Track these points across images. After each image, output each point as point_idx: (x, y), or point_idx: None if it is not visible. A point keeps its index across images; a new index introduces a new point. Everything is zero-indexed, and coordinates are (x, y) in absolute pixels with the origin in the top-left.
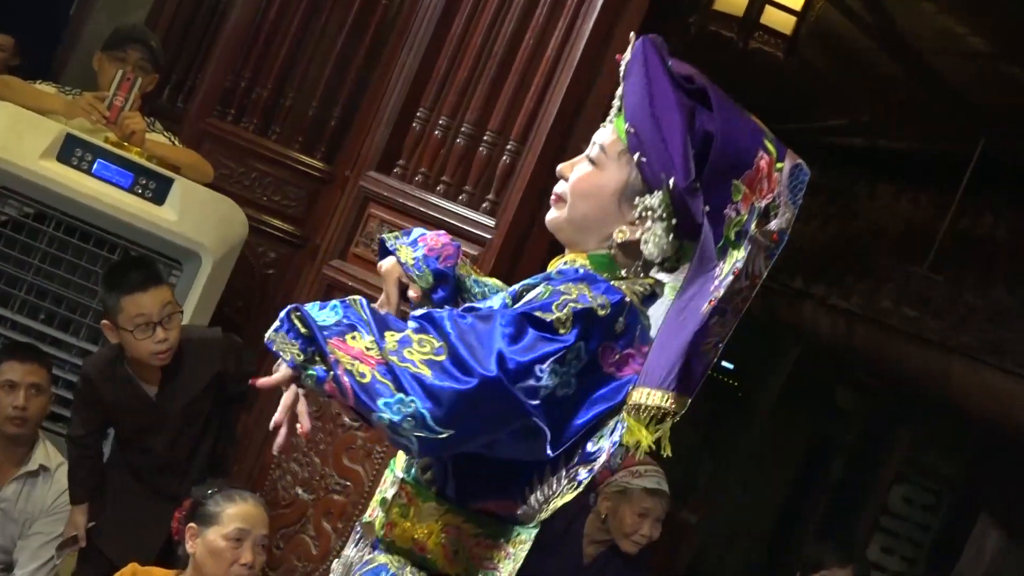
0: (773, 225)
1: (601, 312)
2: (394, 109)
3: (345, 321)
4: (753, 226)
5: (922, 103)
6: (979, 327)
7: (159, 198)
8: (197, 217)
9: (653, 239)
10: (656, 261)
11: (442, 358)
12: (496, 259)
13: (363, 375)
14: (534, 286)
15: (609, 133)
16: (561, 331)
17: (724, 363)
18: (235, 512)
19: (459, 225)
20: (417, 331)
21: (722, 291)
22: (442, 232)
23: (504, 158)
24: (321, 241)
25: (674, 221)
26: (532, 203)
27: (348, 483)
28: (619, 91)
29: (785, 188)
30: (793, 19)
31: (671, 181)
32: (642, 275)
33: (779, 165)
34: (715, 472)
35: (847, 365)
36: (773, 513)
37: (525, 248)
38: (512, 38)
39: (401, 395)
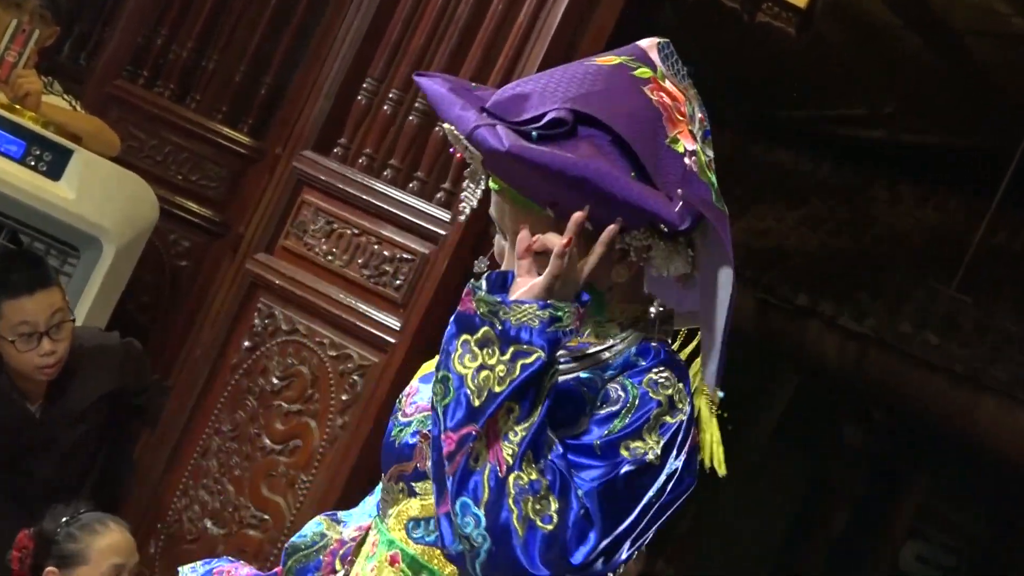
0: (698, 113)
1: (686, 415)
2: (336, 78)
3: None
4: (705, 146)
5: (955, 92)
6: (1014, 359)
7: (55, 172)
8: (99, 196)
9: (666, 261)
10: (673, 275)
11: (544, 528)
12: (450, 261)
13: (476, 463)
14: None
15: (521, 215)
16: (656, 464)
17: None
18: (105, 546)
19: (407, 218)
20: (549, 485)
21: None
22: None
23: None
24: (245, 230)
25: (664, 229)
26: None
27: (266, 517)
28: (474, 165)
29: (674, 78)
30: None
31: (662, 226)
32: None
33: (659, 73)
34: (696, 518)
35: (856, 398)
36: (764, 570)
37: (484, 248)
38: (477, 2)
39: (482, 518)
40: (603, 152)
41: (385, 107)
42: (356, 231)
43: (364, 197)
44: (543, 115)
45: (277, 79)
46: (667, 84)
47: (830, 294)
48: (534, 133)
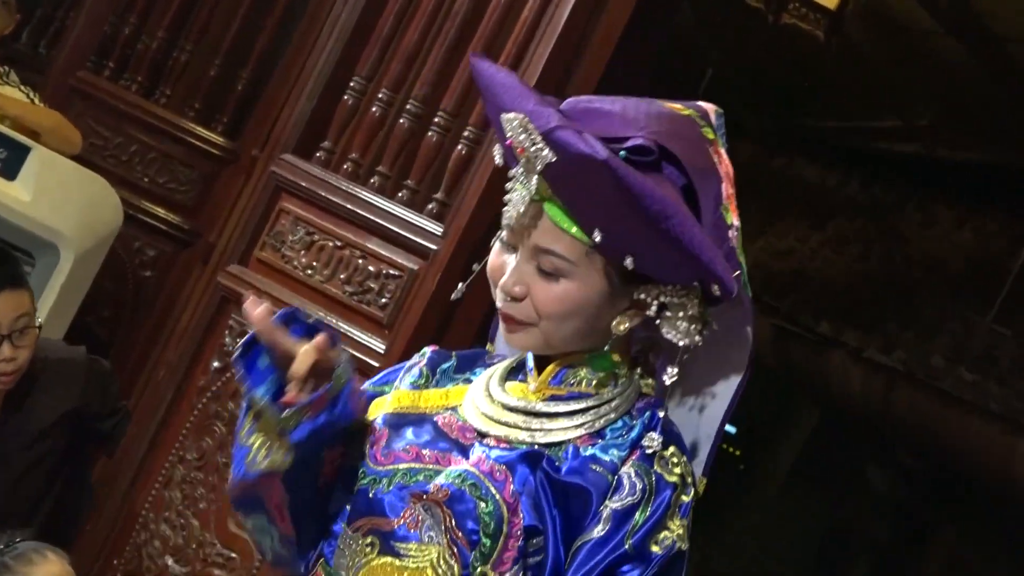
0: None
1: (694, 487)
2: (321, 75)
3: None
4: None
5: (997, 104)
6: None
7: (10, 171)
8: (57, 198)
9: (680, 327)
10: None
11: None
12: (441, 279)
13: None
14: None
15: (554, 232)
16: (686, 549)
17: None
18: None
19: (396, 231)
20: None
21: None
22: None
23: (459, 147)
24: (216, 239)
25: (708, 314)
26: (493, 207)
27: (233, 555)
28: (528, 170)
29: (725, 149)
30: None
31: (714, 287)
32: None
33: (718, 138)
34: (701, 565)
35: (882, 437)
36: None
37: (481, 263)
38: None
39: None
40: (677, 196)
41: (374, 108)
42: (339, 243)
43: (348, 206)
44: (627, 138)
45: (255, 74)
46: (723, 151)
47: (855, 323)
48: (622, 153)
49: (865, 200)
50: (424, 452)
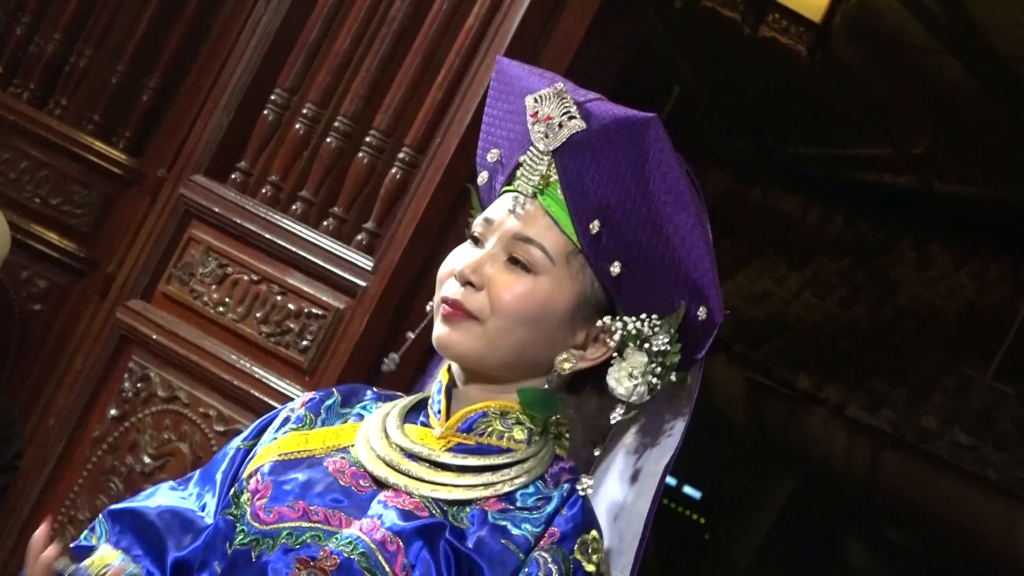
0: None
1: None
2: (238, 86)
3: None
4: None
5: (1001, 131)
6: None
7: None
8: None
9: (633, 378)
10: (628, 401)
11: None
12: (370, 319)
13: None
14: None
15: (542, 223)
16: None
17: (687, 488)
18: None
19: (320, 264)
20: None
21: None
22: None
23: (393, 171)
24: (116, 270)
25: (677, 358)
26: (430, 240)
27: None
28: (543, 148)
29: None
30: (826, 0)
31: (700, 312)
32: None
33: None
34: None
35: (867, 507)
36: None
37: (416, 305)
38: None
39: None
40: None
41: (297, 125)
42: (255, 278)
43: (267, 236)
44: None
45: (163, 83)
46: None
47: (838, 377)
48: None
49: (851, 238)
50: (311, 508)
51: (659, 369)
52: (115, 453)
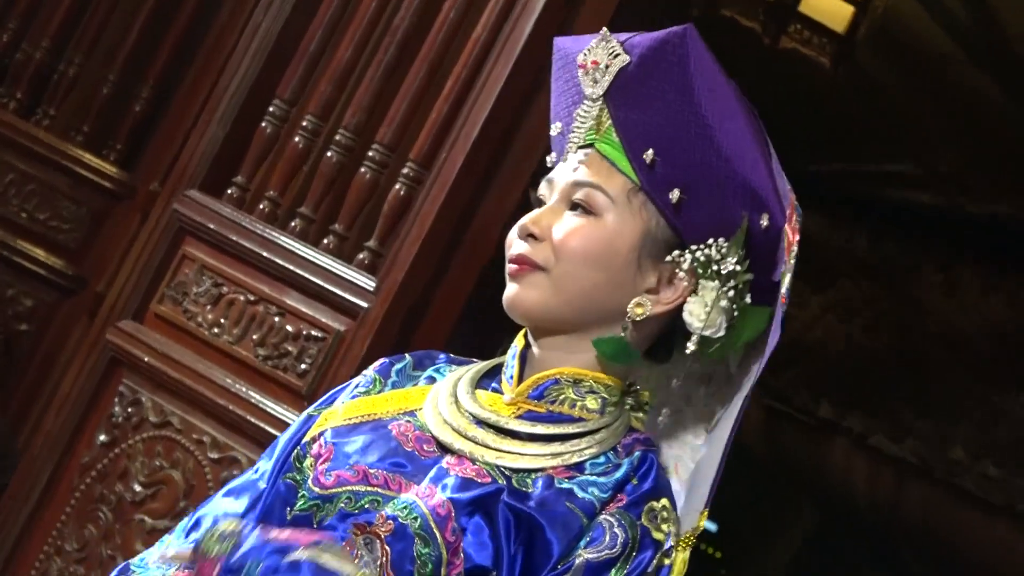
0: (784, 283)
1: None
2: (235, 96)
3: None
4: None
5: None
6: None
7: None
8: None
9: (708, 306)
10: (700, 338)
11: None
12: (372, 343)
13: None
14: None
15: (600, 167)
16: None
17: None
18: None
19: (320, 284)
20: None
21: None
22: None
23: (397, 187)
24: (106, 289)
25: (748, 277)
26: (434, 259)
27: None
28: (592, 95)
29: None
30: (850, 9)
31: (763, 219)
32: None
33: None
34: None
35: (891, 542)
36: None
37: (420, 328)
38: (423, 5)
39: None
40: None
41: (296, 138)
42: (252, 298)
43: (264, 254)
44: None
45: (156, 93)
46: (794, 211)
47: (861, 406)
48: None
49: (875, 259)
50: (372, 472)
51: (731, 292)
52: (104, 481)
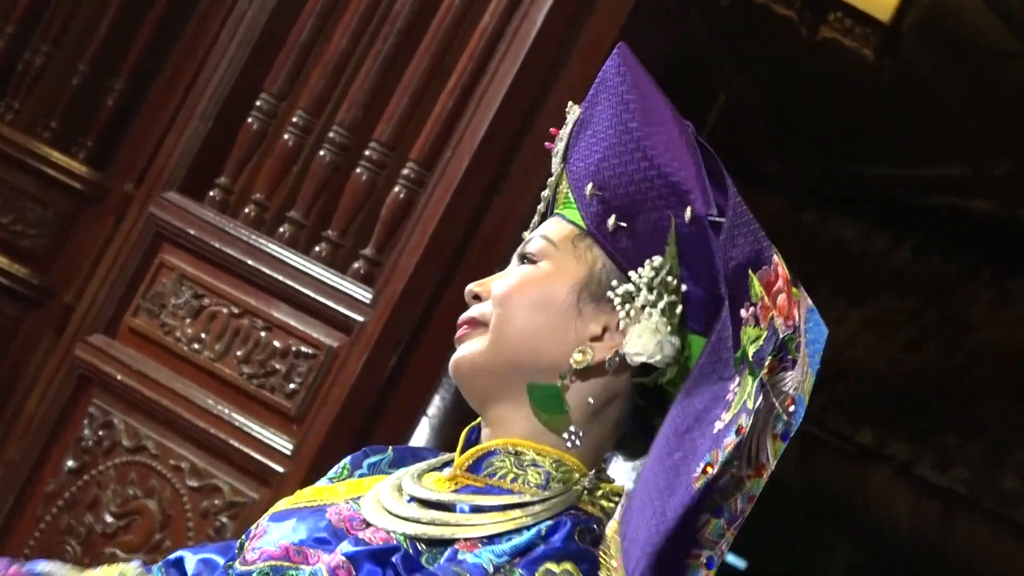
0: (789, 381)
1: None
2: (218, 91)
3: None
4: (768, 362)
5: None
6: None
7: None
8: None
9: (644, 331)
10: (643, 365)
11: None
12: (368, 360)
13: None
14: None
15: (555, 224)
16: None
17: (729, 557)
18: None
19: (311, 295)
20: None
21: (731, 437)
22: None
23: (396, 190)
24: (76, 300)
25: (683, 288)
26: (438, 269)
27: None
28: (555, 166)
29: (803, 329)
30: None
31: (686, 212)
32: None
33: (795, 291)
34: None
35: None
36: None
37: (420, 346)
38: None
39: None
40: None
41: (286, 135)
42: (236, 310)
43: (249, 262)
44: None
45: (131, 85)
46: (794, 300)
47: (905, 431)
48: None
49: (920, 271)
50: (292, 549)
51: (662, 305)
52: (72, 511)
